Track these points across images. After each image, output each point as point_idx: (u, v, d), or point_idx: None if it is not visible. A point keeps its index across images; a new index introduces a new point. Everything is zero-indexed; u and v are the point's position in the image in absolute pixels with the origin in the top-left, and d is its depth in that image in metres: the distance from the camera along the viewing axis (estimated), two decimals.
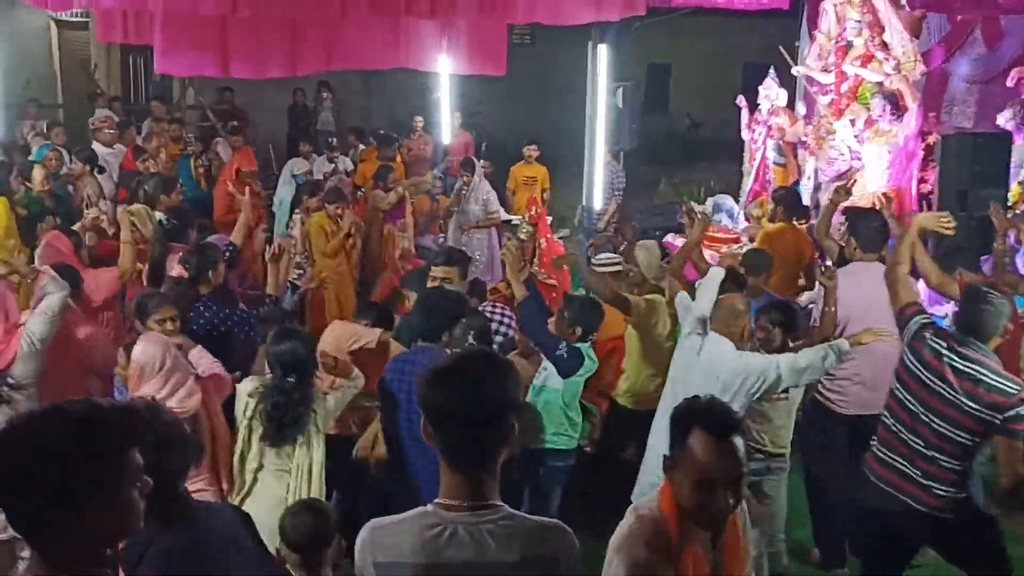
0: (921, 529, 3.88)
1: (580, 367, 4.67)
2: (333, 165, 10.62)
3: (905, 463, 3.83)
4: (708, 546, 2.52)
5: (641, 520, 2.52)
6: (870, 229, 5.20)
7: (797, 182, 9.68)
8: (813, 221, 8.63)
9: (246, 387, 4.10)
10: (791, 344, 4.77)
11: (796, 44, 10.93)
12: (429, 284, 4.96)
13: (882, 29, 8.53)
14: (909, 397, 3.82)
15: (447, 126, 10.96)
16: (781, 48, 9.96)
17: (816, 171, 9.23)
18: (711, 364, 4.15)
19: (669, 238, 9.83)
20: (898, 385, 3.90)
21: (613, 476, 5.18)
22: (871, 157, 8.38)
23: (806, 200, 9.14)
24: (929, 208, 7.06)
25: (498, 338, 5.49)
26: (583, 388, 4.99)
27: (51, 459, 1.69)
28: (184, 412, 3.83)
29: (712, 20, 13.42)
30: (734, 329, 4.29)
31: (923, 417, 3.76)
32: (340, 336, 4.73)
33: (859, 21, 8.58)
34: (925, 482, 3.76)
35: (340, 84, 14.45)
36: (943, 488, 3.73)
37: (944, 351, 3.75)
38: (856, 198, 8.52)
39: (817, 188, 9.29)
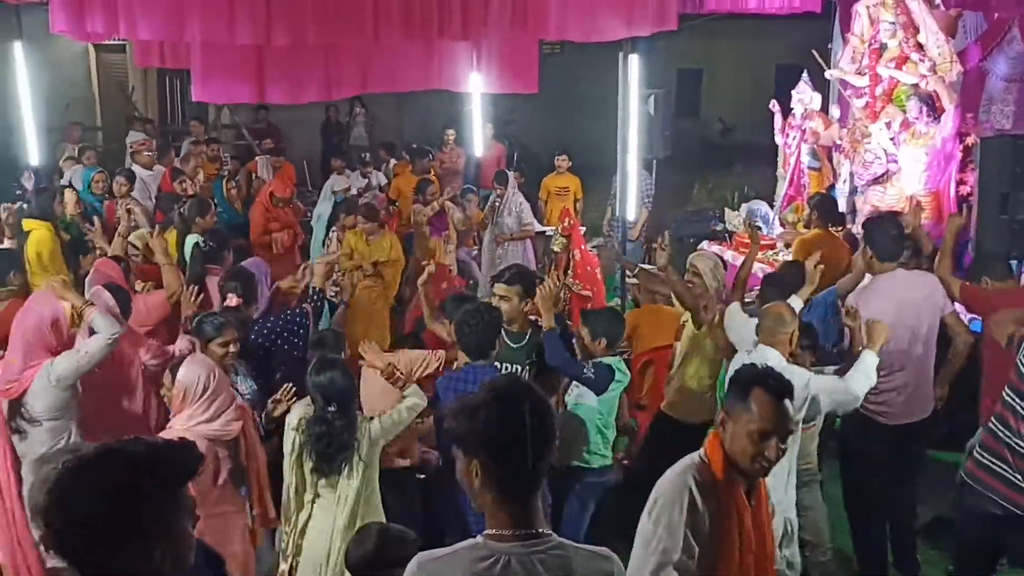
0: (1019, 534, 3.93)
1: (611, 381, 4.69)
2: (367, 180, 10.71)
3: (1012, 471, 3.88)
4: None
5: (688, 463, 2.91)
6: (886, 237, 5.14)
7: (832, 186, 9.59)
8: (850, 226, 8.60)
9: (291, 420, 4.15)
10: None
11: (829, 46, 10.83)
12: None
13: (916, 30, 8.42)
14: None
15: (479, 138, 11.01)
16: (814, 51, 9.88)
17: (852, 175, 9.12)
18: None
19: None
20: (1013, 395, 3.92)
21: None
22: (908, 160, 8.27)
23: (842, 205, 9.07)
24: (969, 211, 6.95)
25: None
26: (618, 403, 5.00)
27: (113, 497, 1.74)
28: (227, 435, 3.88)
29: (743, 23, 13.32)
30: (780, 337, 4.27)
31: None
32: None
33: (893, 23, 8.48)
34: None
35: (372, 99, 14.59)
36: None
37: None
38: (894, 202, 8.45)
39: (853, 192, 9.19)
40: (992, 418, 4.05)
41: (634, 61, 7.95)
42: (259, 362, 5.02)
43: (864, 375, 4.19)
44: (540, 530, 2.12)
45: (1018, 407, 3.88)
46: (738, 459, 2.88)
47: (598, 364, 4.68)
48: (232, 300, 5.13)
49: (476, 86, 7.08)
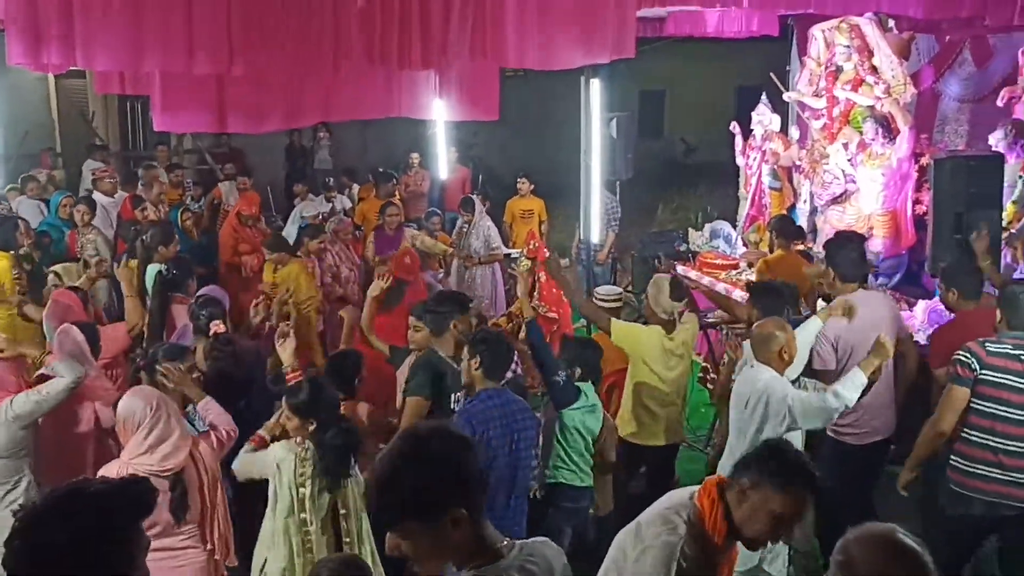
0: (1006, 526, 4.33)
1: (575, 400, 4.76)
2: (331, 205, 10.69)
3: (997, 469, 4.24)
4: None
5: (677, 519, 2.77)
6: (848, 259, 5.23)
7: (793, 206, 9.74)
8: (811, 245, 8.73)
9: (286, 455, 4.05)
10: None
11: (787, 69, 11.02)
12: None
13: (871, 53, 8.59)
14: (1009, 408, 4.23)
15: (443, 161, 11.05)
16: (772, 74, 10.05)
17: (812, 195, 9.28)
18: (743, 390, 4.31)
19: None
20: (984, 403, 4.26)
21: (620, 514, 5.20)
22: (865, 180, 8.42)
23: (802, 223, 9.21)
24: (925, 230, 7.09)
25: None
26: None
27: (77, 536, 1.77)
28: (164, 471, 3.79)
29: (703, 46, 13.52)
30: (771, 354, 4.36)
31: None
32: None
33: (848, 46, 8.65)
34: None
35: (336, 123, 14.60)
36: None
37: None
38: (853, 221, 8.59)
39: (813, 212, 9.34)
40: (965, 429, 4.31)
41: (596, 85, 8.04)
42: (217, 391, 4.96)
43: (854, 386, 4.24)
44: (497, 546, 2.12)
45: (999, 414, 4.24)
46: (746, 530, 2.77)
47: (569, 379, 4.77)
48: (219, 327, 5.09)
49: (438, 113, 7.12)
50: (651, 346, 5.41)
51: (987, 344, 4.35)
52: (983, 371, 4.29)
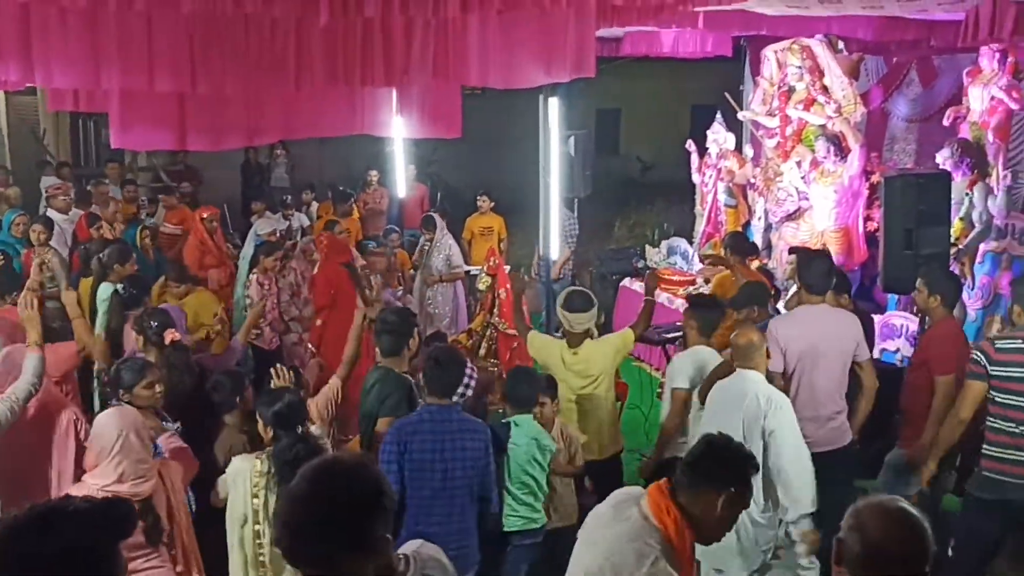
0: None
1: (505, 440, 4.68)
2: (288, 223, 10.62)
3: (1019, 451, 4.53)
4: None
5: (643, 528, 2.85)
6: (817, 273, 5.37)
7: (748, 223, 9.90)
8: (765, 261, 8.88)
9: (243, 467, 4.04)
10: None
11: (741, 88, 11.24)
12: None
13: (822, 73, 8.80)
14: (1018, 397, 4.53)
15: (402, 179, 11.04)
16: (726, 94, 10.23)
17: (766, 212, 9.45)
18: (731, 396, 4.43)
19: (626, 282, 10.00)
20: (1006, 396, 4.54)
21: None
22: (818, 197, 8.60)
23: (757, 240, 9.37)
24: (876, 246, 7.25)
25: (460, 389, 5.52)
26: None
27: (56, 555, 1.73)
28: (137, 496, 3.74)
29: (658, 66, 13.70)
30: (758, 360, 4.54)
31: None
32: (323, 402, 4.84)
33: (799, 66, 8.84)
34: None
35: (293, 140, 14.53)
36: None
37: None
38: (806, 237, 8.76)
39: (768, 228, 9.51)
40: (989, 418, 4.62)
41: (554, 103, 8.11)
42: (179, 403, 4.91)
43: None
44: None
45: (1012, 404, 4.55)
46: (710, 528, 2.91)
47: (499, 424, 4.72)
48: (173, 334, 5.03)
49: (400, 132, 7.14)
50: (554, 360, 5.51)
51: (996, 342, 4.69)
52: (993, 367, 4.59)
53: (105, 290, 6.46)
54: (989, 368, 4.61)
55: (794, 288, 7.01)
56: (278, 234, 9.85)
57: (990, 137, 7.70)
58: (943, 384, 5.06)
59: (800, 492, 4.45)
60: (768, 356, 4.73)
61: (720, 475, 2.92)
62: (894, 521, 2.32)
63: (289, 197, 11.05)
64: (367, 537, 2.03)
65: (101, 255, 6.70)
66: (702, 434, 3.22)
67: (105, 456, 3.73)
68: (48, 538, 1.74)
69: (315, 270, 7.69)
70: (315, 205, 11.77)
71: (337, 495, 2.04)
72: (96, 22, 4.05)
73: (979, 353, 4.68)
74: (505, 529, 4.78)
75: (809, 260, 5.58)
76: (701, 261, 9.71)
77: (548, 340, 5.80)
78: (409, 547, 2.39)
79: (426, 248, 9.35)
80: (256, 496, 3.97)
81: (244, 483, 4.00)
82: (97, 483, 3.69)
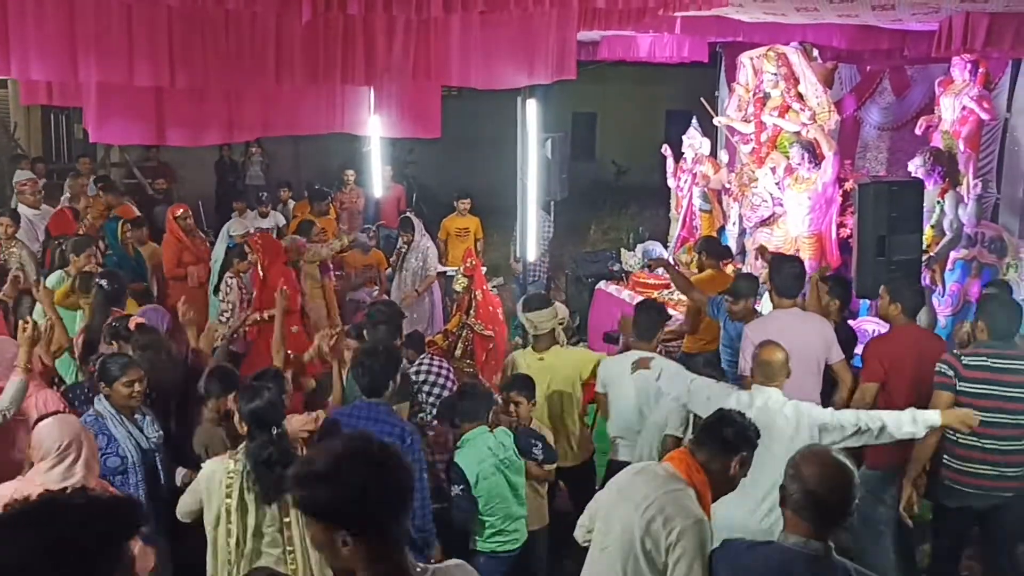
0: (991, 514, 4.82)
1: (468, 514, 4.61)
2: (264, 221, 10.56)
3: (986, 465, 4.71)
4: None
5: (690, 494, 3.25)
6: (788, 275, 5.47)
7: (723, 228, 9.97)
8: (740, 266, 8.95)
9: (216, 469, 4.02)
10: None
11: (716, 94, 11.32)
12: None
13: (797, 81, 8.88)
14: (989, 414, 4.62)
15: (378, 179, 11.02)
16: (702, 99, 10.30)
17: (740, 217, 9.53)
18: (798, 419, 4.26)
19: (602, 285, 10.02)
20: (976, 412, 4.50)
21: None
22: (792, 203, 8.67)
23: (732, 245, 9.45)
24: (850, 252, 7.33)
25: (436, 390, 5.53)
26: None
27: (50, 551, 1.66)
28: None
29: (634, 70, 13.80)
30: (781, 380, 4.40)
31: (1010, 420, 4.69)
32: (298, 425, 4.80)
33: (775, 74, 8.92)
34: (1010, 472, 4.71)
35: (269, 138, 14.46)
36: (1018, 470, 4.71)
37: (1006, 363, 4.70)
38: (780, 243, 8.83)
39: (742, 233, 9.58)
40: (956, 433, 4.70)
41: (532, 106, 8.15)
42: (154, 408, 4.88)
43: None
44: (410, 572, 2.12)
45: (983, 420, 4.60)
46: (723, 486, 3.37)
47: (463, 493, 4.59)
48: (137, 320, 4.99)
49: (378, 131, 7.14)
50: (521, 368, 5.54)
51: (963, 358, 4.77)
52: (961, 383, 4.70)
53: (54, 279, 6.42)
54: (958, 383, 4.69)
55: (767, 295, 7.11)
56: (255, 232, 9.81)
57: (961, 146, 7.81)
58: (867, 392, 5.08)
59: None
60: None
61: (734, 442, 3.33)
62: (827, 470, 2.80)
63: (266, 195, 10.98)
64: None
65: (64, 246, 6.65)
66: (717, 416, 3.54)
67: (42, 457, 3.68)
68: (34, 533, 1.67)
69: (259, 272, 7.49)
70: (292, 203, 11.72)
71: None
72: (74, 14, 4.01)
73: (946, 366, 4.75)
74: (485, 551, 4.75)
75: (779, 264, 5.66)
76: (676, 265, 9.77)
77: (517, 354, 5.87)
78: (443, 565, 2.34)
79: (403, 250, 9.32)
80: (229, 496, 3.95)
81: (218, 486, 3.98)
82: (40, 480, 3.64)
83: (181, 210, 8.54)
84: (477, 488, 4.62)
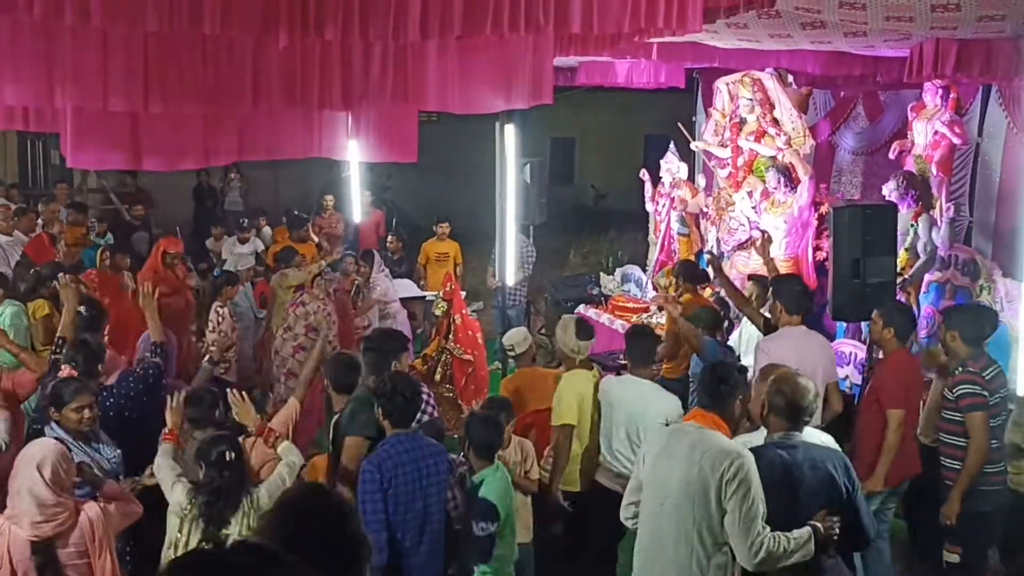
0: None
1: (490, 556, 4.49)
2: (244, 247, 10.54)
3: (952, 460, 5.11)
4: None
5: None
6: (793, 294, 5.61)
7: (700, 251, 10.03)
8: (717, 289, 8.98)
9: (184, 492, 4.08)
10: None
11: (693, 119, 11.44)
12: None
13: (772, 106, 8.98)
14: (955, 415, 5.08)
15: (357, 204, 11.02)
16: (680, 124, 10.40)
17: (718, 241, 9.59)
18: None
19: (581, 309, 10.04)
20: (995, 420, 5.04)
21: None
22: (769, 227, 8.73)
23: (709, 269, 9.48)
24: (826, 275, 7.39)
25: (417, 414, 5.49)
26: None
27: None
28: (32, 537, 3.62)
29: (612, 96, 13.91)
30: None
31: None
32: (284, 418, 4.88)
33: (750, 99, 9.03)
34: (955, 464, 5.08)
35: (248, 164, 14.43)
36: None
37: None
38: (757, 266, 8.89)
39: (720, 257, 9.63)
40: (942, 435, 5.17)
41: (510, 131, 8.18)
42: (115, 429, 4.82)
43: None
44: None
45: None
46: (735, 425, 4.08)
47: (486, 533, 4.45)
48: (64, 371, 4.93)
49: (356, 155, 7.14)
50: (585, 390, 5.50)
51: (983, 372, 5.05)
52: (991, 396, 5.02)
53: (4, 310, 6.36)
54: (989, 398, 4.97)
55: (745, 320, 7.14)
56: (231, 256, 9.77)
57: (934, 170, 7.90)
58: (894, 417, 5.15)
59: None
60: None
61: (731, 386, 3.91)
62: (798, 384, 3.75)
63: (246, 221, 10.95)
64: None
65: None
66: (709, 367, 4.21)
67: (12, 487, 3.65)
68: None
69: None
70: (268, 230, 11.69)
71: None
72: (50, 38, 4.01)
73: (974, 386, 4.97)
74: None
75: (783, 283, 5.82)
76: (655, 288, 9.81)
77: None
78: None
79: (358, 283, 9.15)
80: (183, 519, 4.01)
81: (176, 507, 4.07)
82: (6, 515, 3.59)
83: (173, 248, 8.29)
84: (505, 521, 4.52)
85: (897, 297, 6.89)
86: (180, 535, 4.00)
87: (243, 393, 4.77)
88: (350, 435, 4.62)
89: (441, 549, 4.42)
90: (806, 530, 3.55)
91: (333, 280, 8.41)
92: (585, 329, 5.55)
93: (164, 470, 4.24)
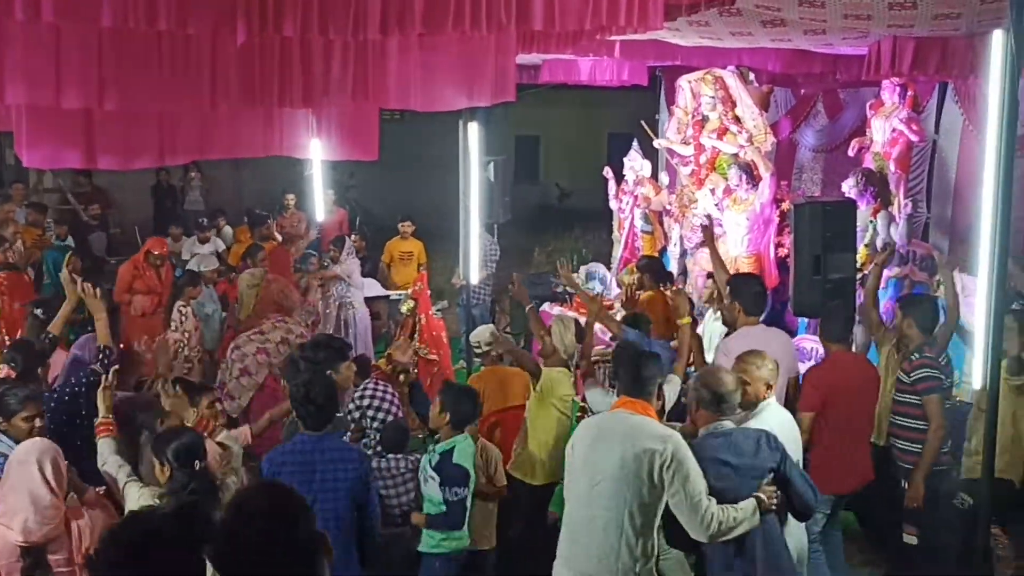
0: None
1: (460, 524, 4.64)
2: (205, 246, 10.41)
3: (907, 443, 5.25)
4: None
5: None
6: (751, 294, 5.56)
7: (664, 248, 10.08)
8: (682, 286, 9.03)
9: (142, 496, 3.93)
10: None
11: (656, 117, 11.49)
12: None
13: (734, 104, 9.05)
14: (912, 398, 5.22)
15: (320, 203, 10.92)
16: (643, 122, 10.44)
17: (681, 238, 9.64)
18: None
19: (546, 307, 10.04)
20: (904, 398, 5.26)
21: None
22: (731, 224, 8.80)
23: (673, 266, 9.54)
24: (787, 271, 7.45)
25: (380, 415, 5.47)
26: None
27: None
28: (20, 543, 3.56)
29: (576, 94, 13.93)
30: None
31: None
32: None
33: (712, 97, 9.08)
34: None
35: (209, 162, 14.27)
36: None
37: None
38: None
39: (683, 254, 9.69)
40: (897, 418, 5.31)
41: (473, 128, 8.16)
42: (62, 436, 4.71)
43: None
44: None
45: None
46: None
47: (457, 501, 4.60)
48: (1, 371, 4.82)
49: (317, 153, 7.07)
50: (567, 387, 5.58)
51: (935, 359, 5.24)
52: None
53: None
54: (944, 381, 5.24)
55: (709, 312, 7.18)
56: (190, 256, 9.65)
57: (892, 167, 8.01)
58: (803, 421, 4.94)
59: None
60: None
61: (651, 373, 3.93)
62: (719, 376, 3.97)
63: (206, 220, 10.81)
64: None
65: None
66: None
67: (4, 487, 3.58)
68: None
69: None
70: (229, 230, 11.56)
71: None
72: (1, 35, 3.91)
73: (933, 370, 5.12)
74: (443, 551, 4.74)
75: (742, 283, 5.76)
76: (618, 285, 9.84)
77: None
78: None
79: (327, 265, 9.14)
80: None
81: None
82: None
83: (158, 249, 8.45)
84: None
85: (856, 293, 6.96)
86: None
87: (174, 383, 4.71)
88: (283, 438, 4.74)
89: (351, 560, 4.31)
90: (751, 501, 3.73)
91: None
92: (580, 331, 5.79)
93: (112, 467, 4.10)
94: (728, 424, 3.92)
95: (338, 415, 4.81)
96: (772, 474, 3.87)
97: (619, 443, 3.77)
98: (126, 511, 3.98)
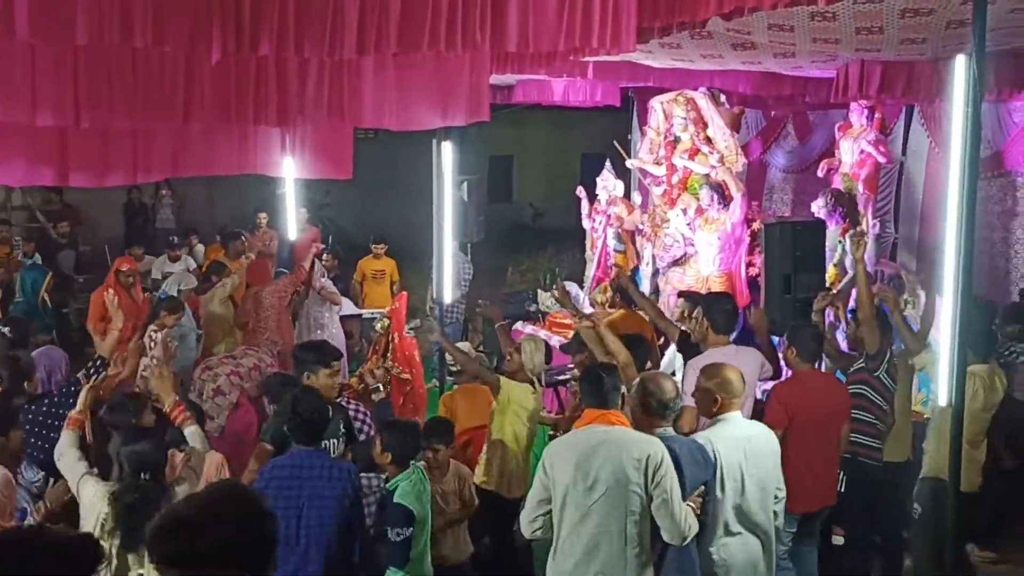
0: None
1: (403, 563, 4.39)
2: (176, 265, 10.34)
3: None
4: None
5: None
6: (722, 313, 5.56)
7: (636, 268, 10.14)
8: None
9: (97, 491, 3.83)
10: None
11: (629, 137, 11.60)
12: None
13: (706, 125, 9.15)
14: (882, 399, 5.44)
15: (293, 221, 10.89)
16: (615, 142, 10.53)
17: (654, 257, 9.71)
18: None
19: (519, 325, 10.06)
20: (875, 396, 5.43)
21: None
22: (703, 244, 8.88)
23: (645, 285, 9.61)
24: (758, 290, 7.53)
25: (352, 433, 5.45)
26: None
27: None
28: None
29: (549, 114, 14.06)
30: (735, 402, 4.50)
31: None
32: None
33: (684, 117, 9.18)
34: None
35: (180, 180, 14.18)
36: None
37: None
38: (692, 282, 9.03)
39: (655, 273, 9.76)
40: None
41: (447, 148, 8.18)
42: (39, 449, 4.66)
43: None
44: None
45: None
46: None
47: (400, 539, 4.35)
48: None
49: (290, 172, 7.06)
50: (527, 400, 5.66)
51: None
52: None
53: None
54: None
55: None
56: (160, 275, 9.57)
57: (860, 188, 8.13)
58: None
59: None
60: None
61: (614, 388, 4.02)
62: (661, 382, 4.07)
63: (176, 239, 10.74)
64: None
65: None
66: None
67: None
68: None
69: None
70: (200, 248, 11.49)
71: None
72: None
73: (866, 386, 5.37)
74: None
75: (713, 303, 5.73)
76: (592, 305, 9.88)
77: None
78: None
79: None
80: (103, 529, 3.78)
81: (94, 514, 3.82)
82: None
83: (127, 266, 8.11)
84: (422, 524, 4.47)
85: (825, 312, 7.04)
86: (106, 537, 3.79)
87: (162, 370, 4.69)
88: (262, 439, 4.83)
89: (319, 571, 4.24)
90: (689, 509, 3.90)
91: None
92: (549, 352, 5.94)
93: (71, 460, 4.02)
94: (669, 431, 4.06)
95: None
96: (703, 486, 4.02)
97: (613, 454, 3.82)
98: (81, 507, 3.91)
